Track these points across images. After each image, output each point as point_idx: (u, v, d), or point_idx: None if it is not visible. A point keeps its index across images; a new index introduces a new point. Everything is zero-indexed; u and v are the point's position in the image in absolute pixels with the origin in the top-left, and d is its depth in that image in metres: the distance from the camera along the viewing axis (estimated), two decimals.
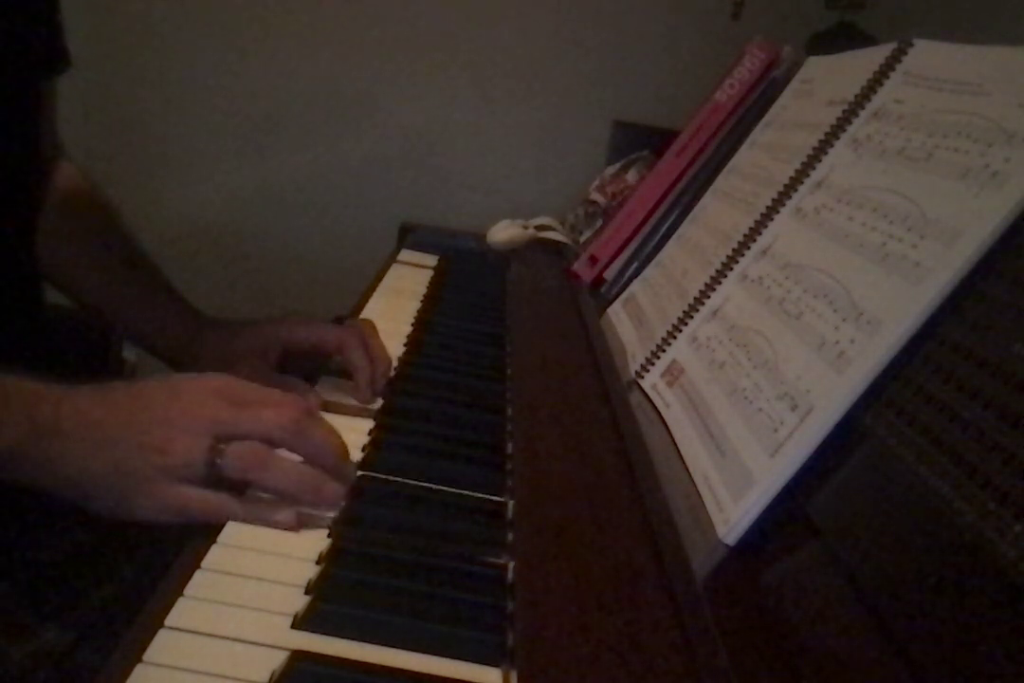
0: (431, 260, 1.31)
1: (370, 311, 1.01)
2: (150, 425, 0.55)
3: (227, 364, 0.80)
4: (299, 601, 0.47)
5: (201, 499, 0.54)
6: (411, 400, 0.76)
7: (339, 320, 0.85)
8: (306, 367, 0.83)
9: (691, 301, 0.77)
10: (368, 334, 0.80)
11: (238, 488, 0.56)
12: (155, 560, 0.73)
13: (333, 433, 0.60)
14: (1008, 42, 0.58)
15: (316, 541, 0.53)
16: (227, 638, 0.44)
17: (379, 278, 1.17)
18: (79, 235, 0.93)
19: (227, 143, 1.89)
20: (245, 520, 0.54)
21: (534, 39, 1.83)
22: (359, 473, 0.61)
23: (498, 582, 0.51)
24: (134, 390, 0.59)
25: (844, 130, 0.71)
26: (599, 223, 1.33)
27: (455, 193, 1.90)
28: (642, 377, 0.77)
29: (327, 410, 0.72)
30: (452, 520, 0.57)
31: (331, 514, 0.56)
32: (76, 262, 0.92)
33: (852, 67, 0.77)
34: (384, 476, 0.61)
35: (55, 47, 0.84)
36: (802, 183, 0.72)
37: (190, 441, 0.55)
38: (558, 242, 1.40)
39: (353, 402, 0.75)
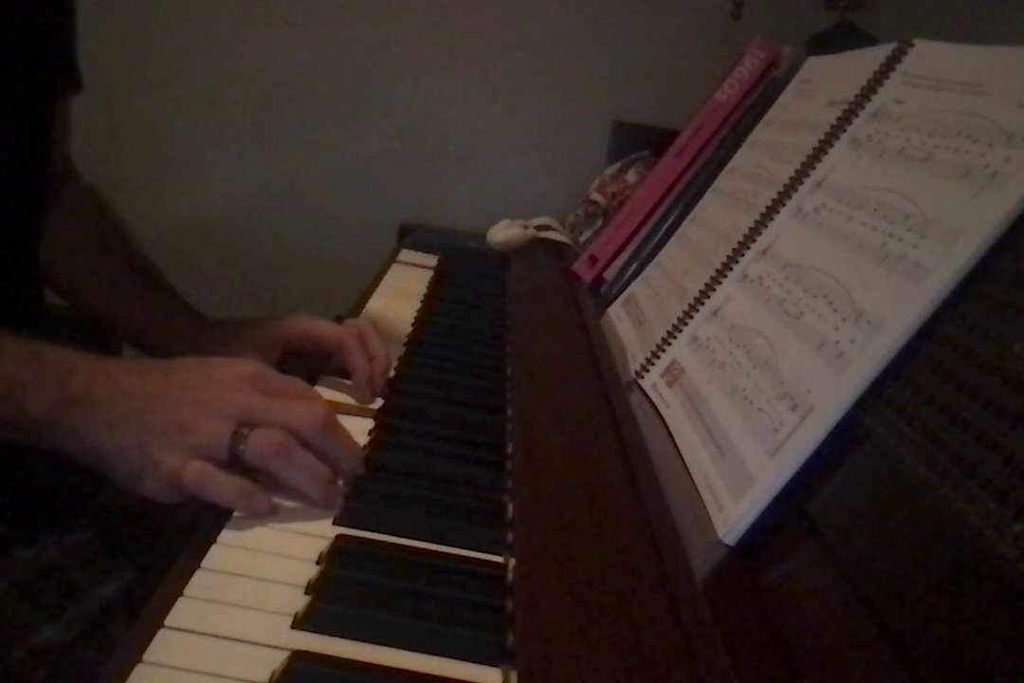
0: (431, 260, 1.31)
1: (370, 311, 1.01)
2: (180, 404, 0.56)
3: None
4: (299, 601, 0.47)
5: (228, 481, 0.54)
6: (411, 400, 0.76)
7: (339, 320, 0.85)
8: (306, 366, 0.83)
9: (691, 301, 0.77)
10: (367, 334, 0.80)
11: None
12: (155, 560, 0.73)
13: (351, 437, 0.60)
14: (1008, 42, 0.58)
15: (316, 541, 0.53)
16: (227, 638, 0.44)
17: (379, 278, 1.17)
18: (81, 240, 0.93)
19: (227, 143, 1.89)
20: (262, 514, 0.55)
21: (534, 39, 1.83)
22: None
23: (498, 582, 0.51)
24: (170, 368, 0.60)
25: (844, 130, 0.71)
26: (599, 223, 1.33)
27: (455, 193, 1.90)
28: (642, 377, 0.77)
29: None
30: (452, 520, 0.57)
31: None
32: (78, 266, 0.92)
33: (852, 67, 0.77)
34: (384, 476, 0.61)
35: (71, 68, 0.85)
36: (802, 183, 0.72)
37: (216, 423, 0.55)
38: (558, 242, 1.40)
39: (353, 402, 0.75)
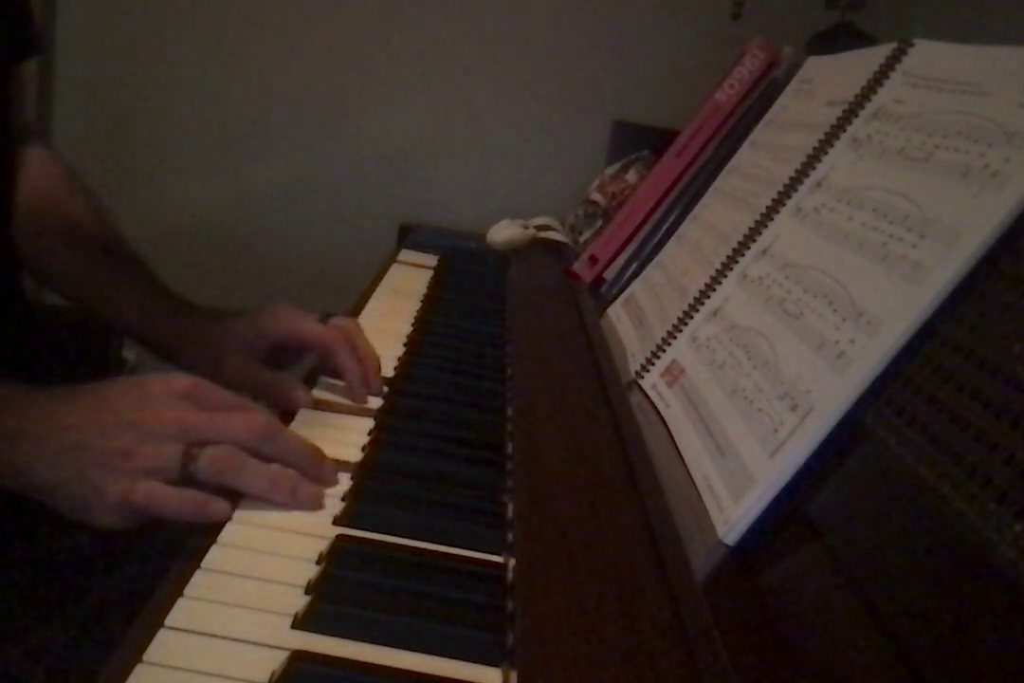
0: (431, 260, 1.31)
1: (370, 311, 1.01)
2: (118, 429, 0.55)
3: (216, 356, 0.80)
4: (299, 601, 0.47)
5: (178, 496, 0.53)
6: (411, 400, 0.76)
7: (325, 318, 0.84)
8: (295, 360, 0.83)
9: (691, 301, 0.77)
10: (354, 334, 0.79)
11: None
12: (155, 560, 0.73)
13: (302, 438, 0.60)
14: (1008, 42, 0.58)
15: (316, 541, 0.53)
16: (227, 638, 0.44)
17: (379, 278, 1.17)
18: (55, 223, 0.90)
19: (227, 143, 1.89)
20: (226, 517, 0.54)
21: (534, 39, 1.83)
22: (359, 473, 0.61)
23: (498, 582, 0.51)
24: (101, 394, 0.58)
25: (844, 130, 0.71)
26: (599, 223, 1.33)
27: (455, 193, 1.90)
28: (642, 377, 0.77)
29: (326, 410, 0.72)
30: (452, 520, 0.57)
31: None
32: (52, 250, 0.89)
33: (852, 67, 0.77)
34: (384, 476, 0.61)
35: (26, 31, 0.83)
36: (802, 183, 0.72)
37: (160, 446, 0.54)
38: (558, 242, 1.39)
39: (350, 402, 0.74)
